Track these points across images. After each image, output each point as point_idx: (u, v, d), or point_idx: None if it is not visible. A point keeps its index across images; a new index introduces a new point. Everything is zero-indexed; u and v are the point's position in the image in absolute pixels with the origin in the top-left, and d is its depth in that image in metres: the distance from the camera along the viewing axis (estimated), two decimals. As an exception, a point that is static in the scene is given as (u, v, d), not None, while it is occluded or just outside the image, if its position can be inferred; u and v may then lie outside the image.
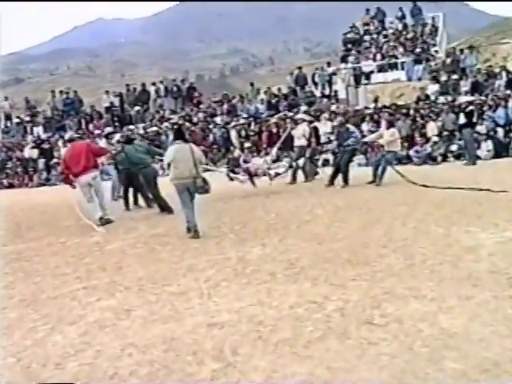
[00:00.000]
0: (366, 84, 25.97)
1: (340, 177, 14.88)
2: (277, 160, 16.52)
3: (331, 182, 15.05)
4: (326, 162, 19.77)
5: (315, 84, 26.55)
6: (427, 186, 13.11)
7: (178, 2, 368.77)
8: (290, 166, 15.88)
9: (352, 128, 15.69)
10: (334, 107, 23.55)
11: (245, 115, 24.92)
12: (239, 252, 8.19)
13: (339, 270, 6.81)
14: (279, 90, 27.10)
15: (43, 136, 25.70)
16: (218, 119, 25.07)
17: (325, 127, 21.37)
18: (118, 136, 14.67)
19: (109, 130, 17.23)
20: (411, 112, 22.12)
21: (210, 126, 24.78)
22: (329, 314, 5.35)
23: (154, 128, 24.42)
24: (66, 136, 15.63)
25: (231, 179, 14.81)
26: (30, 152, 23.05)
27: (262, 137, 22.57)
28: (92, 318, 5.86)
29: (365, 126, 21.69)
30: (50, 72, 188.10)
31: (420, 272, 6.49)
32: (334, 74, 26.63)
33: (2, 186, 23.25)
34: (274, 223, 10.36)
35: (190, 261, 7.92)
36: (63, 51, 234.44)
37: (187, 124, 24.37)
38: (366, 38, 28.90)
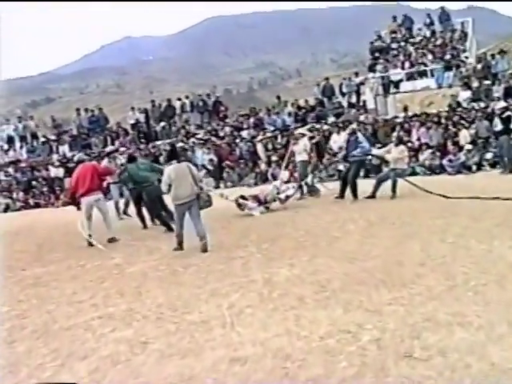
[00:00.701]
0: (395, 93, 25.33)
1: (349, 190, 14.52)
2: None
3: (341, 195, 14.72)
4: None
5: (343, 94, 25.97)
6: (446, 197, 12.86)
7: (204, 18, 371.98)
8: (300, 186, 15.48)
9: (361, 138, 15.07)
10: (362, 117, 22.98)
11: (271, 128, 24.45)
12: (266, 273, 7.70)
13: (373, 293, 6.27)
14: (306, 101, 26.56)
15: (69, 154, 25.34)
16: (244, 133, 24.63)
17: (354, 138, 20.89)
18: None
19: (110, 148, 17.16)
20: (442, 120, 21.43)
21: (237, 141, 24.34)
22: (364, 347, 4.82)
23: (180, 144, 24.04)
24: (75, 158, 15.47)
25: (240, 206, 14.01)
26: (55, 171, 22.84)
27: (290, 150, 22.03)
28: (105, 351, 5.41)
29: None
30: (79, 91, 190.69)
31: (463, 294, 5.93)
32: (362, 83, 26.04)
33: (28, 205, 23.07)
34: (303, 240, 9.84)
35: (214, 284, 7.44)
36: (92, 70, 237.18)
37: (213, 139, 24.01)
38: (394, 45, 28.29)
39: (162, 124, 26.44)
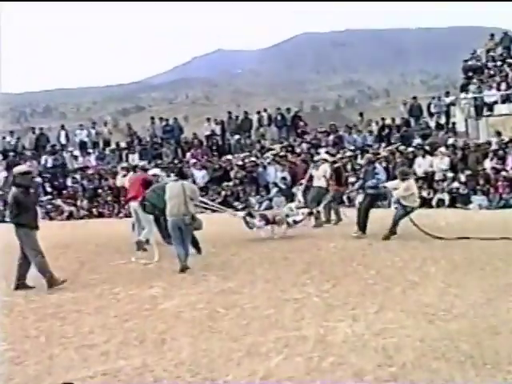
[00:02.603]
0: (488, 116, 23.17)
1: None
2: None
3: (362, 229, 12.91)
4: (440, 202, 18.25)
5: (431, 115, 24.07)
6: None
7: (296, 33, 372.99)
8: (310, 213, 14.36)
9: (379, 168, 13.72)
10: (451, 140, 21.01)
11: (351, 147, 22.81)
12: (321, 327, 6.24)
13: (456, 375, 4.74)
14: (393, 120, 24.70)
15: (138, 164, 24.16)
16: (322, 151, 23.03)
17: (441, 163, 19.22)
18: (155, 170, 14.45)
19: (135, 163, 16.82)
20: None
21: (314, 159, 22.70)
22: None
23: (252, 158, 22.73)
24: (140, 164, 15.01)
25: (247, 224, 13.28)
26: (121, 180, 21.60)
27: (369, 172, 20.52)
28: None
29: (487, 163, 19.06)
30: (169, 101, 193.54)
31: None
32: (453, 104, 24.06)
33: (91, 215, 22.17)
34: (372, 283, 8.27)
35: (254, 337, 6.04)
36: (183, 81, 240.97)
37: (289, 155, 22.53)
38: (490, 65, 26.09)
39: (237, 137, 25.20)
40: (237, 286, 8.54)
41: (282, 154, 22.90)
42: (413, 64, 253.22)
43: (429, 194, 18.52)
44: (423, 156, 19.87)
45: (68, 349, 6.04)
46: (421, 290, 7.69)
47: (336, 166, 16.26)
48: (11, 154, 26.71)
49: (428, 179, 19.25)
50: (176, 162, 23.71)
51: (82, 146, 27.09)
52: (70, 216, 22.35)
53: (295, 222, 13.64)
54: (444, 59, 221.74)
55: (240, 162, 22.77)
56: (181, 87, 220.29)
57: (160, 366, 5.36)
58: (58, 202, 23.10)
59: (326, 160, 16.12)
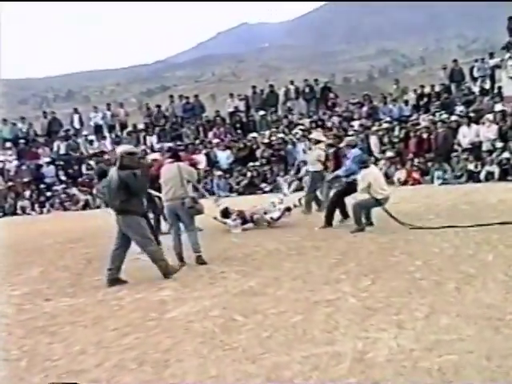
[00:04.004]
0: (539, 77, 21.42)
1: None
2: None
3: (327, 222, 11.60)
4: (490, 176, 16.89)
5: (474, 79, 22.54)
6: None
7: (324, 3, 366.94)
8: (288, 209, 12.90)
9: (352, 153, 11.52)
10: (499, 106, 19.49)
11: (387, 118, 21.41)
12: (359, 340, 5.02)
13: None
14: (432, 87, 23.21)
15: (156, 146, 23.02)
16: (355, 124, 21.70)
17: (489, 132, 17.83)
18: None
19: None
20: None
21: (350, 133, 21.34)
22: None
23: (280, 135, 21.52)
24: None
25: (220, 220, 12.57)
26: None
27: (410, 144, 19.24)
28: None
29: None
30: (194, 79, 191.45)
31: None
32: (498, 66, 22.33)
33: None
34: (419, 277, 6.98)
35: (277, 356, 4.83)
36: (208, 57, 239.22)
37: (319, 130, 21.27)
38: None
39: (261, 113, 24.02)
40: (259, 284, 7.34)
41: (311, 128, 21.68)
42: (449, 29, 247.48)
43: (476, 166, 17.29)
44: (468, 125, 18.52)
45: (50, 377, 4.93)
46: (479, 286, 6.37)
47: (334, 149, 13.74)
48: (22, 141, 25.49)
49: (475, 150, 17.94)
50: (197, 142, 22.59)
51: (98, 129, 25.96)
52: (86, 205, 21.36)
53: (273, 219, 12.53)
54: (483, 22, 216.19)
55: (266, 140, 21.68)
56: (206, 64, 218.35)
57: (156, 403, 4.25)
58: (73, 190, 22.10)
59: (319, 141, 14.12)
